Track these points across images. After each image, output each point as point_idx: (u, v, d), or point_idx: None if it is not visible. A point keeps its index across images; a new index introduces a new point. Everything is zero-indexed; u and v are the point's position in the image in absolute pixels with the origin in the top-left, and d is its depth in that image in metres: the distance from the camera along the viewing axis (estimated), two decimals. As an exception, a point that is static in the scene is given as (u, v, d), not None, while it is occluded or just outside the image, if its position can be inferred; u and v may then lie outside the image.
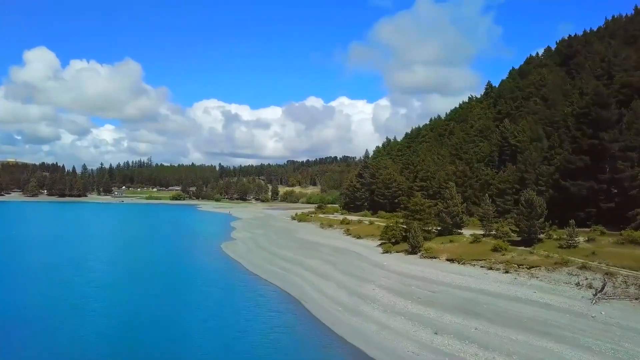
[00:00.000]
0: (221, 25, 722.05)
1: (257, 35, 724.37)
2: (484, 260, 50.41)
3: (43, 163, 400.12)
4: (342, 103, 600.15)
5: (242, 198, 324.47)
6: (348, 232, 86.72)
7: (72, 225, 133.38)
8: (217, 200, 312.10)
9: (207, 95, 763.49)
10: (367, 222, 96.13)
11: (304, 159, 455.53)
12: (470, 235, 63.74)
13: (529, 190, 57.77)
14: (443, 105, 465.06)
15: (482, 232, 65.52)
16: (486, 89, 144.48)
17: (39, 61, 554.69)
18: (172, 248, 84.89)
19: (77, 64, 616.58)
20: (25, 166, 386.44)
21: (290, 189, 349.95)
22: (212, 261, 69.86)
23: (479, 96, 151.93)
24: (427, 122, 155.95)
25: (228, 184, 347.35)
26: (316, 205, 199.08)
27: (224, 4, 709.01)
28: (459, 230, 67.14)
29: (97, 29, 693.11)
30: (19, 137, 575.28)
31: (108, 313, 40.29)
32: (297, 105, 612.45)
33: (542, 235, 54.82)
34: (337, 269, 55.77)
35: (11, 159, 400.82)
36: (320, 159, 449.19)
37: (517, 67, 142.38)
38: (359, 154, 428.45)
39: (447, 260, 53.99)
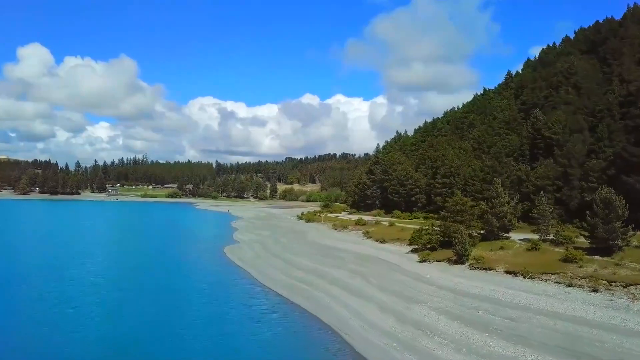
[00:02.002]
0: (217, 22, 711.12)
1: (252, 32, 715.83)
2: (558, 274, 40.82)
3: (35, 160, 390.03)
4: (339, 101, 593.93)
5: (240, 196, 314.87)
6: (368, 235, 76.88)
7: (56, 227, 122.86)
8: (215, 198, 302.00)
9: (203, 93, 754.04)
10: (386, 223, 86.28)
11: (301, 157, 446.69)
12: (521, 240, 54.20)
13: (605, 188, 47.90)
14: (440, 103, 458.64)
15: (533, 236, 56.00)
16: (506, 79, 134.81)
17: (33, 58, 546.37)
18: (169, 254, 74.67)
19: (71, 61, 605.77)
20: (17, 163, 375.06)
21: (290, 186, 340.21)
22: (216, 270, 59.88)
23: (494, 87, 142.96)
24: (442, 115, 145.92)
25: (225, 181, 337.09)
26: (321, 203, 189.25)
27: (219, 1, 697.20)
28: (506, 235, 57.40)
29: (91, 25, 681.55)
30: (13, 135, 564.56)
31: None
32: (293, 102, 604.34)
33: (619, 242, 45.15)
34: (371, 283, 45.94)
35: (2, 156, 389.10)
36: (319, 156, 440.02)
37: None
38: (355, 152, 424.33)
39: (507, 272, 44.33)
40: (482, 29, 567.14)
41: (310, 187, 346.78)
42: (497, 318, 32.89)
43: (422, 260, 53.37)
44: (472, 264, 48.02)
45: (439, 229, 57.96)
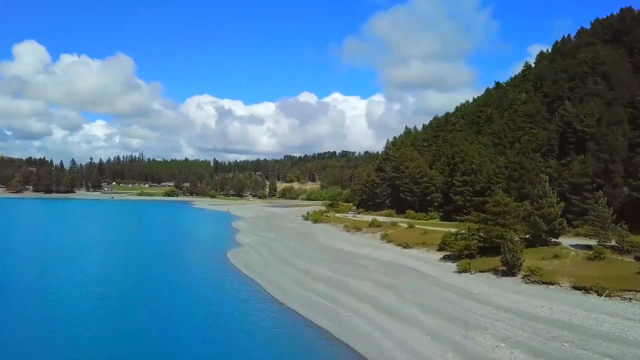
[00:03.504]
0: (214, 20, 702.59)
1: (250, 30, 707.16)
2: (645, 292, 33.17)
3: (30, 158, 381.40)
4: (336, 99, 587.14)
5: (239, 194, 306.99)
6: (387, 239, 69.33)
7: (45, 228, 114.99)
8: (213, 196, 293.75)
9: (200, 91, 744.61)
10: (404, 225, 78.75)
11: (299, 154, 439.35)
12: (573, 246, 46.82)
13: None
14: (438, 101, 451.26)
15: (582, 241, 48.71)
16: (523, 71, 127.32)
17: (28, 55, 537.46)
18: (166, 261, 66.82)
19: (67, 58, 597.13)
20: (10, 161, 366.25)
21: (289, 185, 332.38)
22: (220, 280, 52.09)
23: (507, 80, 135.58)
24: (454, 110, 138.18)
25: (224, 179, 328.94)
26: (324, 202, 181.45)
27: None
28: (555, 240, 49.91)
29: (87, 22, 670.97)
30: (9, 133, 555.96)
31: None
32: (291, 100, 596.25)
33: None
34: (407, 300, 38.29)
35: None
36: (318, 154, 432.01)
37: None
38: (353, 150, 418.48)
39: (575, 288, 36.75)
40: (481, 27, 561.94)
41: (310, 186, 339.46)
42: (593, 355, 25.29)
43: (462, 271, 45.74)
44: (527, 276, 40.42)
45: (477, 233, 50.36)
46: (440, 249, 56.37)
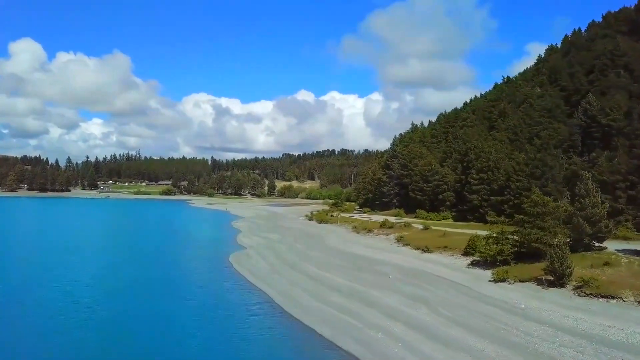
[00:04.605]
0: (211, 18, 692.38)
1: (247, 28, 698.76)
2: None
3: (25, 156, 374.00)
4: (334, 97, 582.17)
5: (237, 193, 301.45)
6: (403, 242, 63.85)
7: (33, 230, 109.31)
8: (210, 195, 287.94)
9: (197, 89, 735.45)
10: (418, 226, 73.35)
11: (297, 153, 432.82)
12: (619, 251, 41.62)
13: None
14: (436, 99, 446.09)
15: (634, 246, 43.39)
16: (537, 63, 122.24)
17: (24, 53, 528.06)
18: (163, 265, 61.36)
19: (64, 56, 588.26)
20: (5, 159, 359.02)
21: (288, 183, 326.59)
22: (223, 290, 46.59)
23: (517, 75, 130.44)
24: (465, 103, 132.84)
25: (222, 178, 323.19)
26: (325, 202, 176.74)
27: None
28: (599, 244, 44.62)
29: (84, 20, 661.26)
30: (5, 131, 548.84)
31: None
32: (289, 99, 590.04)
33: None
34: (443, 316, 32.93)
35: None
36: (317, 152, 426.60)
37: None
38: (351, 149, 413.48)
39: (642, 303, 31.37)
40: (479, 25, 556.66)
41: (309, 184, 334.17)
42: None
43: (498, 280, 40.31)
44: (579, 287, 35.05)
45: (512, 236, 45.01)
46: (465, 254, 51.09)
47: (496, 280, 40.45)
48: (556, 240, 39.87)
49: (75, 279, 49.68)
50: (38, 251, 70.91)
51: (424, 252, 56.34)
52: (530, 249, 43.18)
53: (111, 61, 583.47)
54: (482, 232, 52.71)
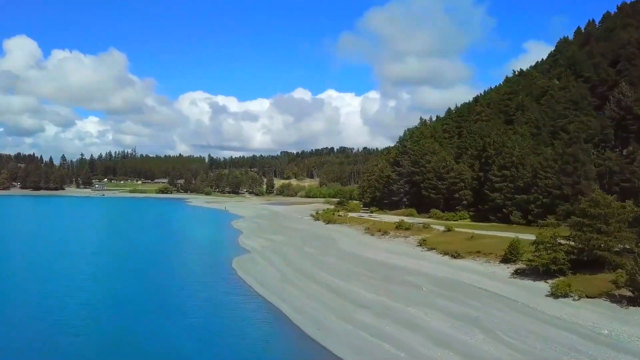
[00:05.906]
0: (208, 16, 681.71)
1: (244, 26, 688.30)
2: None
3: (19, 154, 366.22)
4: (331, 95, 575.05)
5: (235, 191, 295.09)
6: (427, 246, 57.22)
7: (21, 229, 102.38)
8: (208, 193, 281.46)
9: (194, 87, 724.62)
10: (439, 228, 66.86)
11: (295, 151, 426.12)
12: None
13: None
14: (434, 98, 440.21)
15: None
16: (554, 54, 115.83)
17: (19, 50, 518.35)
18: (160, 271, 54.70)
19: (59, 54, 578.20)
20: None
21: (287, 181, 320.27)
22: (230, 304, 39.84)
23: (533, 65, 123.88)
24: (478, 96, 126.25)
25: (219, 176, 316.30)
26: (332, 200, 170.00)
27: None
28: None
29: (80, 17, 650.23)
30: (1, 129, 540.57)
31: None
32: (285, 97, 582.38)
33: None
34: (509, 346, 26.35)
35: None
36: (316, 150, 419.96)
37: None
38: (348, 147, 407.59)
39: None
40: (477, 23, 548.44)
41: (308, 182, 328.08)
42: None
43: (560, 295, 33.68)
44: (670, 307, 28.58)
45: (568, 242, 38.51)
46: (505, 260, 44.60)
47: (557, 295, 33.84)
48: (627, 246, 33.43)
49: (54, 292, 42.88)
50: (12, 262, 64.18)
51: (454, 257, 49.79)
52: (591, 257, 36.69)
53: (107, 59, 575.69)
54: (521, 236, 46.55)
